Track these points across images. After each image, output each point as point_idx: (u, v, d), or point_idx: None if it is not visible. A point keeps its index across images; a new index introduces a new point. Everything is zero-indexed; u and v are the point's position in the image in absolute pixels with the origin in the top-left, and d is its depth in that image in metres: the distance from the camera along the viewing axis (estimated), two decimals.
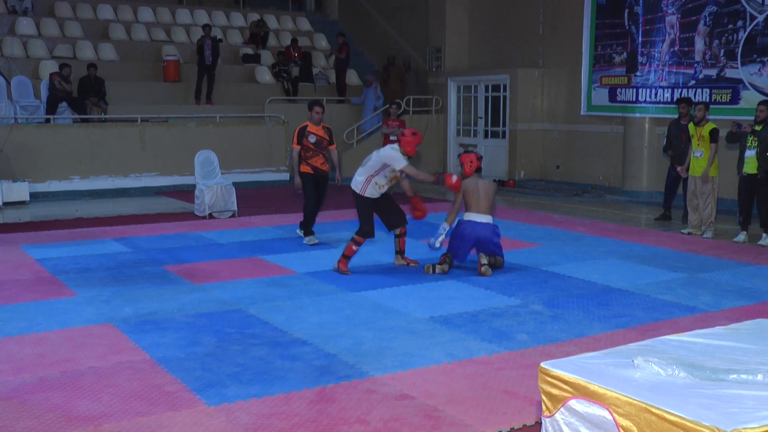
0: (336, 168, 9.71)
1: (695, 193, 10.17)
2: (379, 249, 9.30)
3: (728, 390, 2.83)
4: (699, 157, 10.02)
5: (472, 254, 8.14)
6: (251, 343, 5.71)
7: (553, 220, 11.51)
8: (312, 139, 9.24)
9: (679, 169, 10.73)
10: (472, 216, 7.91)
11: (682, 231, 10.41)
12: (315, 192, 9.42)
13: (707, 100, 12.67)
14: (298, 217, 11.73)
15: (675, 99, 12.58)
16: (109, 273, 8.03)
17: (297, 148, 9.28)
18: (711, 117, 10.42)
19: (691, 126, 10.24)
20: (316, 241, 9.52)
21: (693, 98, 12.72)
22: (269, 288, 7.42)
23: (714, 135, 9.86)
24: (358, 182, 8.04)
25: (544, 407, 3.13)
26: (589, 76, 14.97)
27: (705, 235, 10.07)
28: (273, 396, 4.69)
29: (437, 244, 8.03)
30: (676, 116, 11.46)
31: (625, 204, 13.45)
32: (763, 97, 11.17)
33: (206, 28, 17.15)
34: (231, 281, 7.70)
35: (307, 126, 9.34)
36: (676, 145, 11.08)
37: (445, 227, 8.01)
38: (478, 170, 8.11)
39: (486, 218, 7.93)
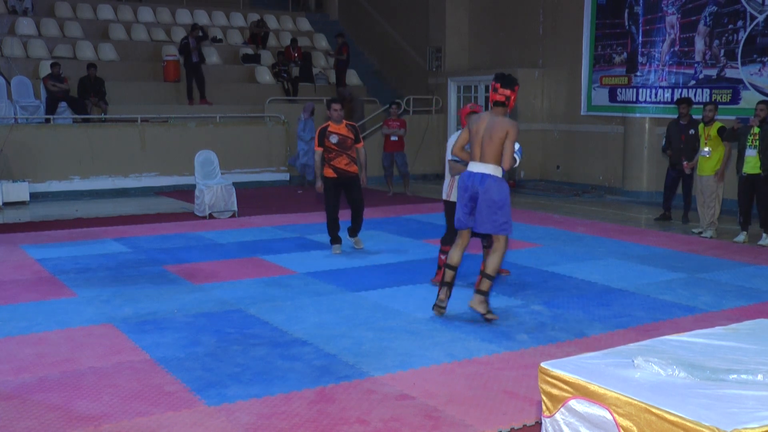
0: (362, 168, 9.07)
1: (702, 191, 10.18)
2: (382, 248, 9.30)
3: (728, 390, 2.83)
4: (707, 156, 10.05)
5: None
6: (251, 343, 5.71)
7: (553, 220, 11.51)
8: (334, 139, 8.66)
9: (685, 163, 10.72)
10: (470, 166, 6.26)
11: (693, 230, 10.37)
12: (337, 196, 8.88)
13: (707, 100, 12.70)
14: (299, 217, 11.76)
15: (675, 99, 12.59)
16: (109, 273, 8.03)
17: (319, 150, 8.69)
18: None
19: (701, 126, 10.26)
20: (340, 251, 9.01)
21: (693, 98, 12.73)
22: (269, 288, 7.42)
23: (722, 133, 9.91)
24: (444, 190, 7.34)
25: (544, 407, 3.13)
26: (589, 76, 14.97)
27: (704, 234, 10.07)
28: (273, 396, 4.69)
29: None
30: (675, 116, 11.47)
31: (625, 204, 13.45)
32: (763, 97, 11.19)
33: (193, 28, 17.10)
34: (231, 281, 7.70)
35: (328, 126, 8.76)
36: (675, 145, 11.09)
37: None
38: (499, 104, 6.26)
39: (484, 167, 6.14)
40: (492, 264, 6.17)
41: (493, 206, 6.03)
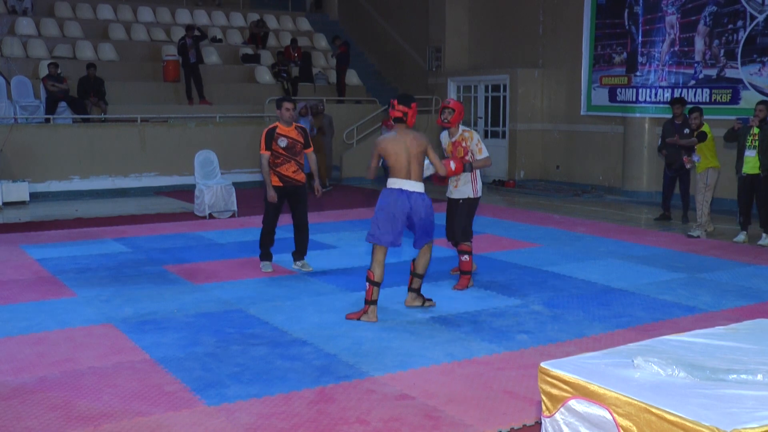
0: (315, 176, 8.18)
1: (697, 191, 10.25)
2: None
3: (728, 390, 2.83)
4: (697, 162, 10.16)
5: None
6: (251, 343, 5.72)
7: (553, 220, 11.51)
8: (282, 143, 7.75)
9: (685, 157, 10.72)
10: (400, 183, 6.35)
11: (689, 233, 10.24)
12: (279, 207, 8.01)
13: (707, 100, 12.75)
14: None
15: (669, 100, 12.61)
16: (109, 273, 8.03)
17: (266, 154, 7.76)
18: (712, 117, 10.48)
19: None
20: (271, 269, 8.18)
21: (693, 99, 12.77)
22: (269, 288, 7.42)
23: (699, 136, 10.05)
24: (467, 191, 7.38)
25: (543, 407, 3.13)
26: (589, 76, 14.98)
27: (692, 234, 10.01)
28: (273, 396, 4.69)
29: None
30: (670, 116, 11.51)
31: (625, 204, 13.45)
32: (763, 97, 11.20)
33: (188, 28, 17.13)
34: (231, 281, 7.70)
35: (276, 127, 7.83)
36: (670, 145, 11.10)
37: None
38: (399, 120, 6.36)
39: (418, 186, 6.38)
40: (423, 264, 6.70)
41: (430, 223, 6.48)
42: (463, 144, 7.33)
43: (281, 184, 7.88)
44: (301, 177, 7.95)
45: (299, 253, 8.27)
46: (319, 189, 8.19)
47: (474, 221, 7.74)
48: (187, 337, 5.86)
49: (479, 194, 7.48)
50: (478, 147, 7.32)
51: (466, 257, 7.39)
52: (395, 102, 6.37)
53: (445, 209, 7.66)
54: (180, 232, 10.52)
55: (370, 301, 6.32)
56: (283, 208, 8.18)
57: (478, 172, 7.44)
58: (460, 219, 7.40)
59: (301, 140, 7.91)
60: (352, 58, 19.38)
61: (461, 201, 7.41)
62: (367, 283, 6.32)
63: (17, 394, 4.74)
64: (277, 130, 7.83)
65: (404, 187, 6.27)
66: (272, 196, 7.84)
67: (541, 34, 16.44)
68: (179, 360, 5.34)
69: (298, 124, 8.01)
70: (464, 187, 7.39)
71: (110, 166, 14.64)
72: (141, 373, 5.10)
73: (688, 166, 10.72)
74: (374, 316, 6.31)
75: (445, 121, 7.34)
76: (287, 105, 7.81)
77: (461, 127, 7.44)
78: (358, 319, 6.31)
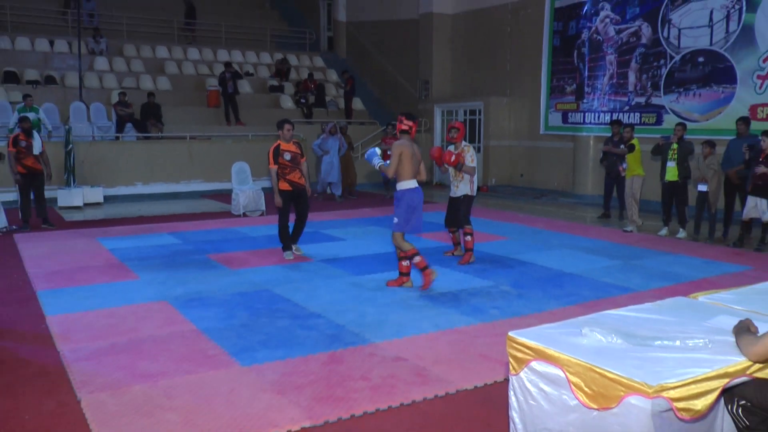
0: (307, 179, 8.14)
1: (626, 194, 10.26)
2: (381, 240, 9.29)
3: (654, 353, 2.84)
4: (624, 167, 10.19)
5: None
6: (276, 317, 5.71)
7: (518, 218, 11.50)
8: (287, 156, 7.80)
9: (620, 167, 10.71)
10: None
11: (624, 228, 10.20)
12: (290, 207, 8.00)
13: (638, 121, 12.78)
14: (314, 215, 11.68)
15: (609, 121, 12.63)
16: (165, 260, 8.01)
17: (275, 167, 7.80)
18: (641, 135, 10.50)
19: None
20: (292, 257, 8.07)
21: (627, 120, 12.77)
22: (291, 272, 7.41)
23: (629, 147, 10.06)
24: (466, 189, 7.62)
25: (511, 368, 3.13)
26: (547, 103, 14.98)
27: (626, 229, 10.04)
28: (294, 358, 4.69)
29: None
30: (610, 134, 11.53)
31: (574, 205, 13.44)
32: (681, 120, 11.21)
33: (227, 64, 17.10)
34: (260, 267, 7.68)
35: (279, 145, 7.84)
36: (609, 157, 11.13)
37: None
38: (405, 132, 6.44)
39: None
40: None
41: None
42: (462, 154, 7.62)
43: (290, 189, 7.90)
44: (303, 181, 7.97)
45: (296, 238, 8.28)
46: (310, 190, 8.15)
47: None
48: (225, 312, 5.84)
49: (474, 193, 7.80)
50: (470, 158, 7.62)
51: (469, 237, 7.65)
52: (403, 118, 6.43)
53: (446, 205, 8.07)
54: (220, 227, 10.50)
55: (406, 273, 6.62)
56: (290, 208, 8.21)
57: (474, 177, 7.75)
58: (464, 210, 7.70)
59: (300, 152, 7.94)
60: (357, 89, 19.33)
61: (462, 197, 7.70)
62: (407, 260, 6.52)
63: (94, 356, 4.74)
64: (281, 147, 7.84)
65: (416, 186, 6.48)
66: (279, 201, 7.86)
67: (509, 69, 16.42)
68: (219, 330, 5.34)
69: (295, 140, 8.03)
70: (464, 186, 7.71)
71: (165, 175, 14.62)
72: (189, 340, 5.10)
73: (623, 174, 10.74)
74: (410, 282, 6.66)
75: (452, 137, 7.61)
76: (288, 126, 7.86)
77: (463, 143, 7.72)
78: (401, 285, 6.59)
